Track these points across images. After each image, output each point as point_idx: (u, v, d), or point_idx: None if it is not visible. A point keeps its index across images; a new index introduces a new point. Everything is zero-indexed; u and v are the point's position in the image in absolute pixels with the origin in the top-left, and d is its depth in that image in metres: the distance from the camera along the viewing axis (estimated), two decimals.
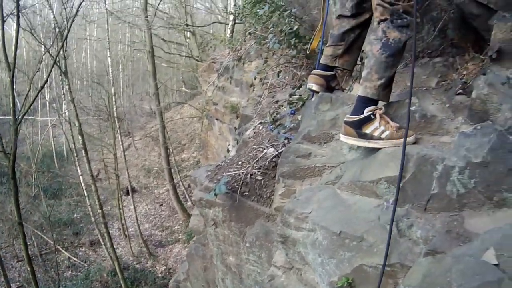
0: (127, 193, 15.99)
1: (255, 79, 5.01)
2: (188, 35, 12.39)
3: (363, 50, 2.66)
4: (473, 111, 1.96)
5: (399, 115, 2.17)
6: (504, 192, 1.63)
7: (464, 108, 2.09)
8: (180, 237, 14.37)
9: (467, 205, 1.70)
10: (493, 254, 1.40)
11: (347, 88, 3.20)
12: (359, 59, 2.81)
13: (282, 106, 4.29)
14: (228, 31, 9.60)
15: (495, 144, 1.67)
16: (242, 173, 3.25)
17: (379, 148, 2.05)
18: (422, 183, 1.81)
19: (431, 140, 2.06)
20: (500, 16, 2.26)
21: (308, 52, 3.00)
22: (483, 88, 1.91)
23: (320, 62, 2.58)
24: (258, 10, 3.99)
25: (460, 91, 2.28)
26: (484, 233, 1.55)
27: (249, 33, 4.92)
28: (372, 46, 2.12)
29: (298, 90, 3.89)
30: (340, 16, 2.49)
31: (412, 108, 2.10)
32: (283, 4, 3.83)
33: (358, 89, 2.22)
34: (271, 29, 3.98)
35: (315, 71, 2.60)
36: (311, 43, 2.75)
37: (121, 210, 13.94)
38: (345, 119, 2.15)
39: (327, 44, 2.55)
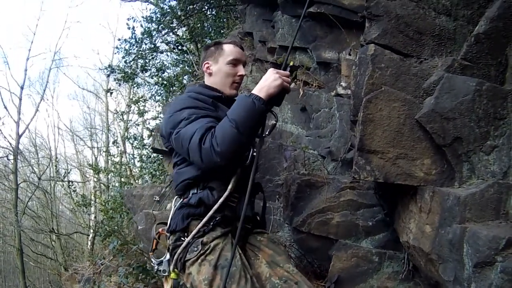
0: None
1: None
2: (54, 238, 11.86)
3: None
4: None
5: None
6: None
7: None
8: None
9: None
10: None
11: None
12: None
13: None
14: (89, 243, 9.38)
15: None
16: None
17: None
18: None
19: None
20: (340, 245, 2.37)
21: None
22: None
23: None
24: (109, 243, 4.02)
25: None
26: None
27: (101, 264, 4.84)
28: None
29: None
30: None
31: None
32: (129, 240, 3.97)
33: None
34: (120, 260, 3.95)
35: None
36: None
37: None
38: None
39: None
